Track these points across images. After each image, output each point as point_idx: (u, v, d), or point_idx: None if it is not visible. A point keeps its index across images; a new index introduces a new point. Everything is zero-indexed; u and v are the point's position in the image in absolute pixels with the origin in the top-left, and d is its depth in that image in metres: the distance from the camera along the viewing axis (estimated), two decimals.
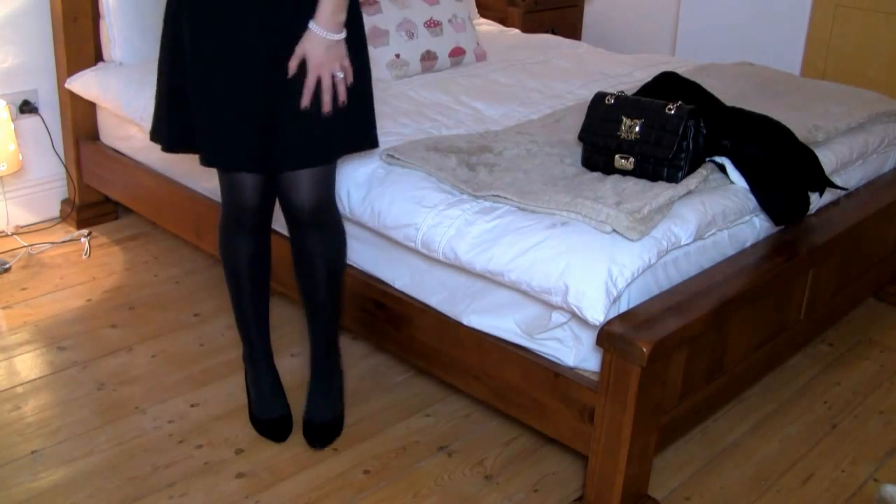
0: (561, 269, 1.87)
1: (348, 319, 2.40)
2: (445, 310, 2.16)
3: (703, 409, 2.10)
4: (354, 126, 2.02)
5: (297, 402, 2.27)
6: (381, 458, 2.16)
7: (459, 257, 2.02)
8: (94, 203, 3.29)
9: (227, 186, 2.05)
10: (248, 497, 2.02)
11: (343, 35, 1.92)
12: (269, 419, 2.21)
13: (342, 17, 1.91)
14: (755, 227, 2.23)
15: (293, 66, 1.89)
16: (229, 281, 2.17)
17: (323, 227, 2.07)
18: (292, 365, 2.48)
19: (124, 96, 2.88)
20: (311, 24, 1.88)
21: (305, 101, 1.90)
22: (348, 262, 2.39)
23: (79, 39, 3.08)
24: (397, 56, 3.05)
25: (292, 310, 2.71)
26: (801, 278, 2.28)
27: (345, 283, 2.25)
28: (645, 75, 3.08)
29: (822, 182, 2.33)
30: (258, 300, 2.18)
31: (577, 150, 2.30)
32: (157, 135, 2.10)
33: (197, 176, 2.80)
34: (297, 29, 1.88)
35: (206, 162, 1.99)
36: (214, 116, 1.92)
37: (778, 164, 2.24)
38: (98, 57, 3.15)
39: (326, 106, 1.91)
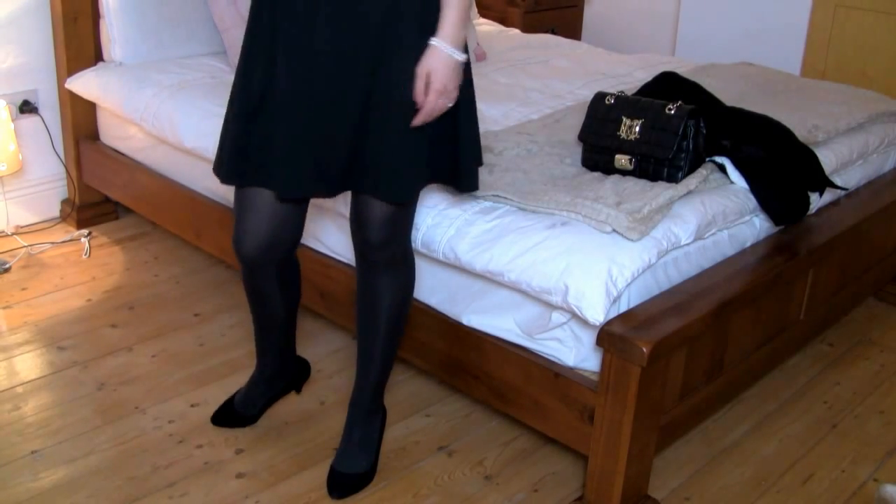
0: (561, 269, 1.87)
1: (348, 319, 2.40)
2: (445, 310, 2.16)
3: (703, 409, 2.09)
4: (444, 163, 1.84)
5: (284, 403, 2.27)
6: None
7: (459, 257, 2.02)
8: (94, 203, 3.29)
9: (238, 226, 1.90)
10: (248, 497, 2.02)
11: (466, 57, 1.73)
12: (223, 403, 2.25)
13: (465, 32, 1.68)
14: (755, 227, 2.23)
15: (421, 88, 1.69)
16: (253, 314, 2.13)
17: (392, 266, 1.94)
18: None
19: (124, 96, 2.88)
20: (436, 40, 1.68)
21: (418, 121, 1.72)
22: (349, 262, 2.39)
23: (79, 39, 3.08)
24: None
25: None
26: (801, 278, 2.28)
27: (404, 330, 2.10)
28: (645, 75, 3.08)
29: (822, 182, 2.33)
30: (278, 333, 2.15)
31: (577, 150, 2.30)
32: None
33: (197, 176, 2.80)
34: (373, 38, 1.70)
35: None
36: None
37: (778, 164, 2.24)
38: (98, 57, 3.15)
39: (419, 121, 1.72)
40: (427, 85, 1.70)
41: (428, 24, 1.71)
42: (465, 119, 1.82)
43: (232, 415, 2.24)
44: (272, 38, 1.73)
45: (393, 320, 1.98)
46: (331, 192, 1.83)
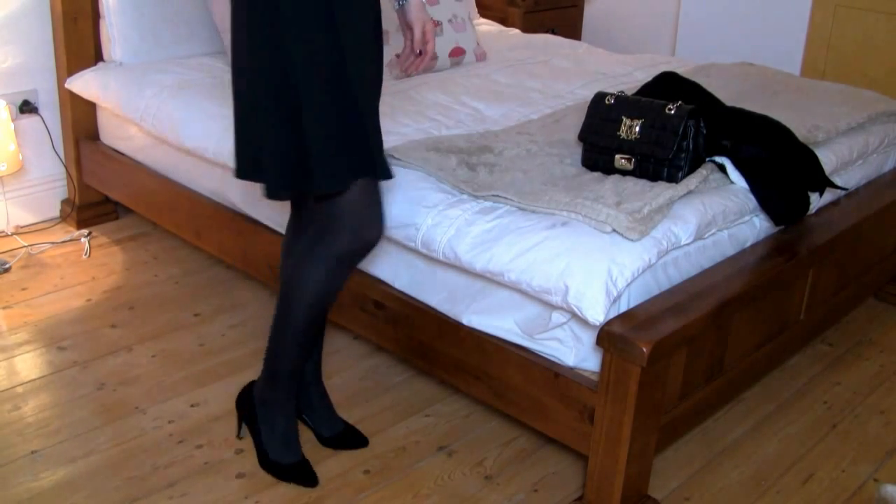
0: (561, 269, 1.87)
1: (348, 319, 2.40)
2: (445, 310, 2.16)
3: (703, 409, 2.10)
4: None
5: None
6: (381, 458, 2.16)
7: (459, 257, 2.02)
8: (94, 203, 3.29)
9: (363, 215, 1.86)
10: (248, 497, 2.02)
11: None
12: (291, 463, 2.06)
13: None
14: (755, 227, 2.23)
15: (419, 37, 1.94)
16: (285, 315, 1.95)
17: None
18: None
19: (124, 96, 2.88)
20: None
21: (424, 65, 1.97)
22: None
23: (79, 39, 3.08)
24: (397, 56, 3.04)
25: None
26: (801, 278, 2.28)
27: None
28: (645, 75, 3.08)
29: (822, 182, 2.33)
30: (307, 345, 2.04)
31: (577, 150, 2.30)
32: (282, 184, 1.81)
33: (197, 177, 2.80)
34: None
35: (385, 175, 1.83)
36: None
37: (778, 164, 2.24)
38: (98, 57, 3.15)
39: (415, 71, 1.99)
40: (424, 33, 1.95)
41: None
42: None
43: (297, 469, 2.08)
44: (335, 33, 1.73)
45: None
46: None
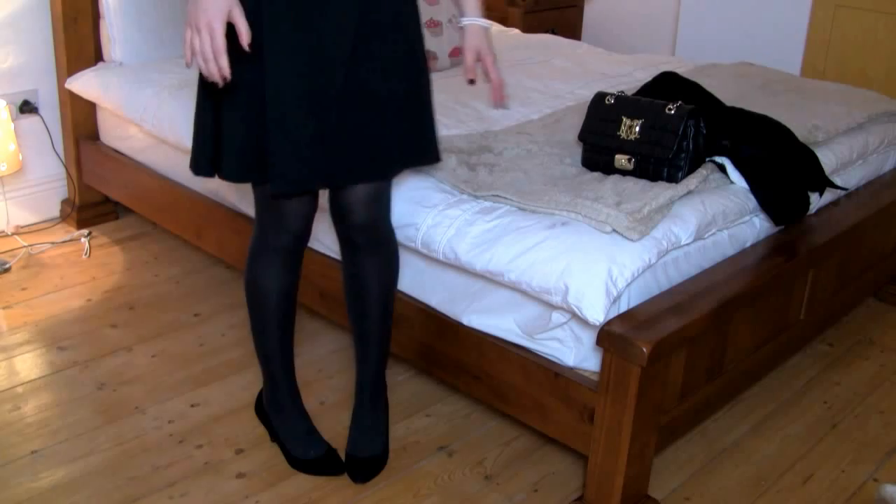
0: (561, 269, 1.87)
1: (348, 319, 2.39)
2: (445, 310, 2.16)
3: (703, 409, 2.10)
4: (415, 137, 1.90)
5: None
6: None
7: (459, 257, 2.02)
8: (94, 203, 3.29)
9: (276, 213, 1.88)
10: (248, 497, 2.02)
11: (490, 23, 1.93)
12: (316, 457, 2.08)
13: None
14: (755, 227, 2.23)
15: (469, 65, 1.90)
16: (256, 315, 2.02)
17: (378, 248, 1.99)
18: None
19: (124, 96, 2.88)
20: (469, 20, 1.89)
21: (499, 95, 1.94)
22: None
23: (79, 39, 3.08)
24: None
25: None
26: (801, 278, 2.28)
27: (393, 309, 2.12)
28: (645, 75, 3.08)
29: (822, 182, 2.33)
30: (286, 338, 2.05)
31: (577, 150, 2.30)
32: (212, 165, 1.85)
33: (197, 176, 2.79)
34: (371, 29, 1.77)
35: (280, 187, 1.78)
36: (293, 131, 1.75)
37: (778, 164, 2.24)
38: (98, 57, 3.15)
39: (504, 101, 1.94)
40: (480, 61, 1.91)
41: (401, 12, 1.82)
42: (428, 93, 1.93)
43: (320, 462, 2.10)
44: (274, 36, 1.71)
45: (384, 302, 2.03)
46: (331, 183, 1.88)
